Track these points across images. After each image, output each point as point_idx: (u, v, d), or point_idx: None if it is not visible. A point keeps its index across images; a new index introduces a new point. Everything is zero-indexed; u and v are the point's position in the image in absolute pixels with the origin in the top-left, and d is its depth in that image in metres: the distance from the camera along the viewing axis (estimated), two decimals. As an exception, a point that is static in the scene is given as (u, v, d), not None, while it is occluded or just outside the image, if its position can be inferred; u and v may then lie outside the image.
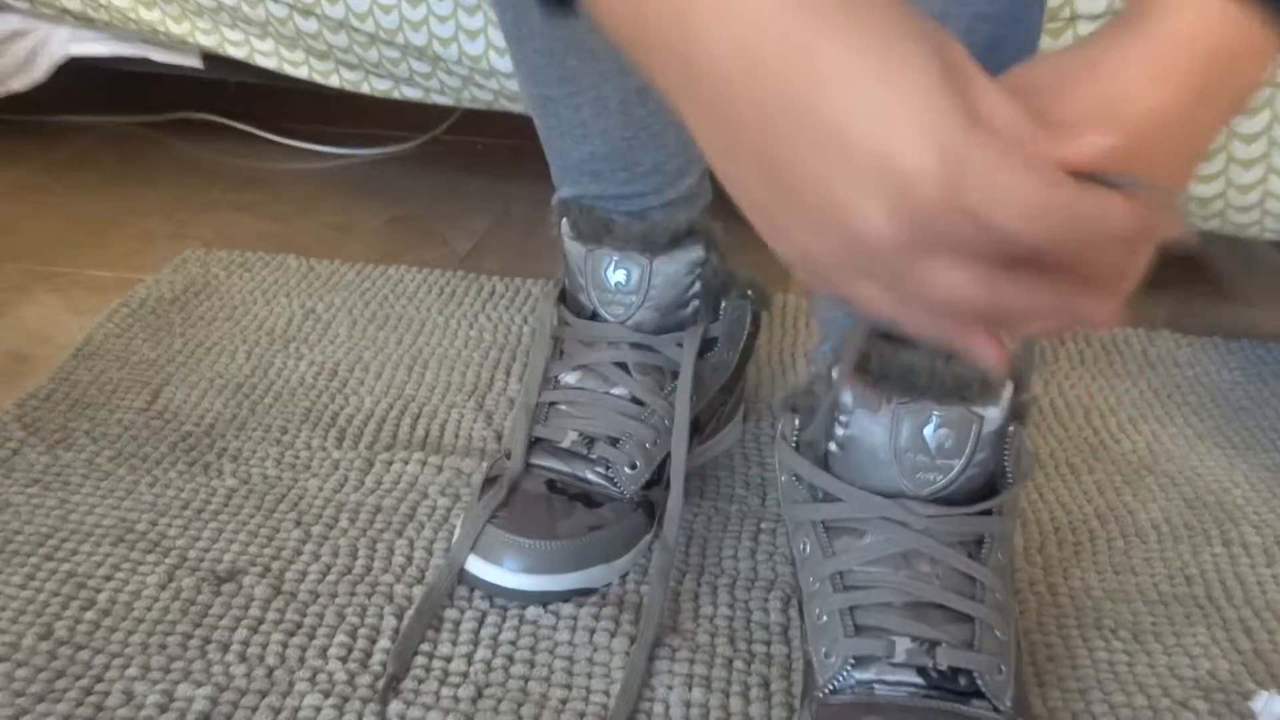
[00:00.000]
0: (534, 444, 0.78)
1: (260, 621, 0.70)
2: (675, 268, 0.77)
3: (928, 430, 0.62)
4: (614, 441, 0.77)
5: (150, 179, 1.46)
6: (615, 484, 0.76)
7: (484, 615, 0.71)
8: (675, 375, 0.78)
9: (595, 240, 0.78)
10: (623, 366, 0.78)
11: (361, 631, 0.70)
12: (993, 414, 0.63)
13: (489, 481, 0.77)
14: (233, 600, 0.72)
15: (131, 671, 0.66)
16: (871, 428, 0.63)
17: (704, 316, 0.79)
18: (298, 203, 1.41)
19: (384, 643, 0.69)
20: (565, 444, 0.77)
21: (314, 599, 0.72)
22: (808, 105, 0.36)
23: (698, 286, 0.78)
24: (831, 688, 0.61)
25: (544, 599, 0.72)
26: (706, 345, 0.80)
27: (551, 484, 0.76)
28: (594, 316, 0.79)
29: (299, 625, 0.70)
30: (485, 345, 1.06)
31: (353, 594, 0.73)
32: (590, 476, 0.76)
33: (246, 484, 0.83)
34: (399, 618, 0.71)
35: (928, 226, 0.36)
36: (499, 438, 0.91)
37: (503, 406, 0.95)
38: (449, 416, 0.94)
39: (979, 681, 0.60)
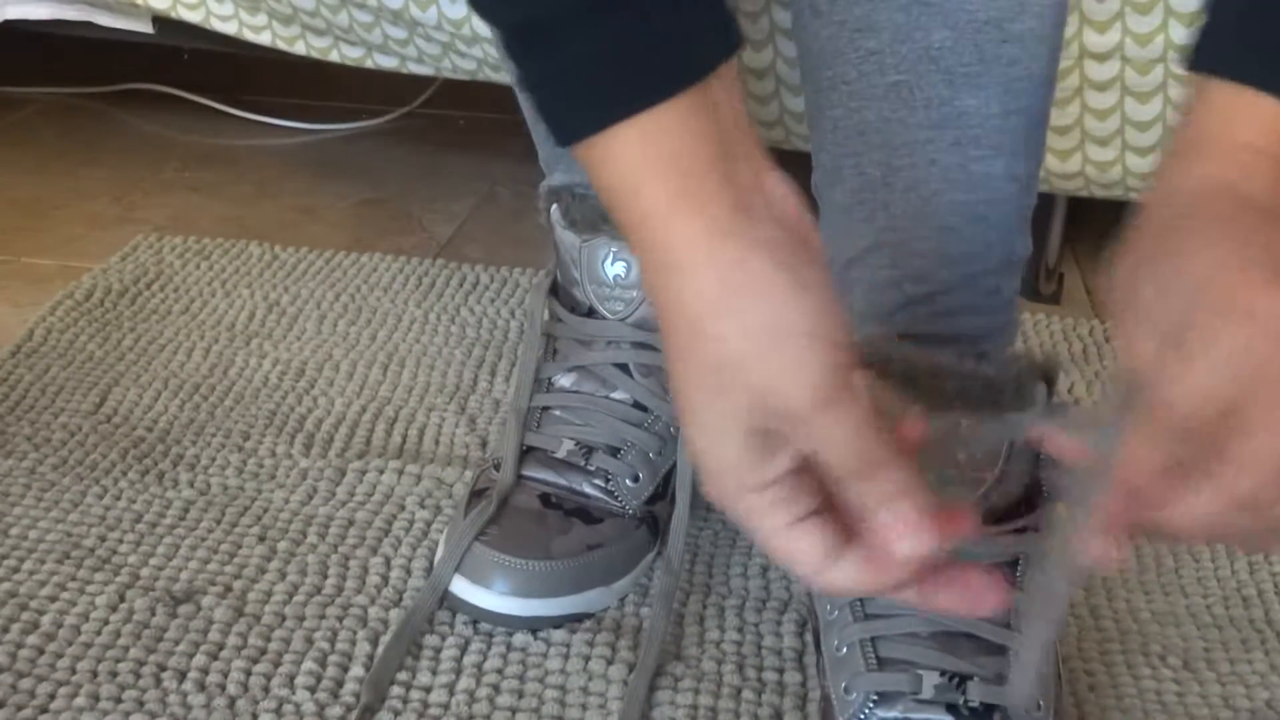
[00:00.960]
0: (525, 454, 0.78)
1: (220, 647, 0.71)
2: (680, 258, 0.77)
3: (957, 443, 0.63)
4: (614, 451, 0.77)
5: (96, 157, 1.46)
6: (616, 498, 0.77)
7: (467, 642, 0.72)
8: (680, 377, 0.78)
9: (591, 229, 0.78)
10: (623, 368, 0.79)
11: (332, 659, 0.70)
12: (1027, 421, 0.64)
13: (476, 494, 0.77)
14: (190, 624, 0.72)
15: (79, 701, 0.66)
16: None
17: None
18: (260, 183, 1.41)
19: (357, 671, 0.69)
20: (560, 454, 0.77)
21: (280, 622, 0.73)
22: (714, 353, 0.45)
23: (706, 279, 0.78)
24: (852, 726, 0.62)
25: (534, 624, 0.73)
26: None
27: (545, 498, 0.76)
28: (591, 313, 0.79)
29: (263, 651, 0.71)
30: (468, 342, 1.06)
31: (322, 617, 0.73)
32: (588, 490, 0.77)
33: (205, 495, 0.84)
34: (373, 644, 0.71)
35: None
36: (483, 444, 0.91)
37: (487, 410, 0.96)
38: (428, 421, 0.94)
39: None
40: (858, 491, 0.46)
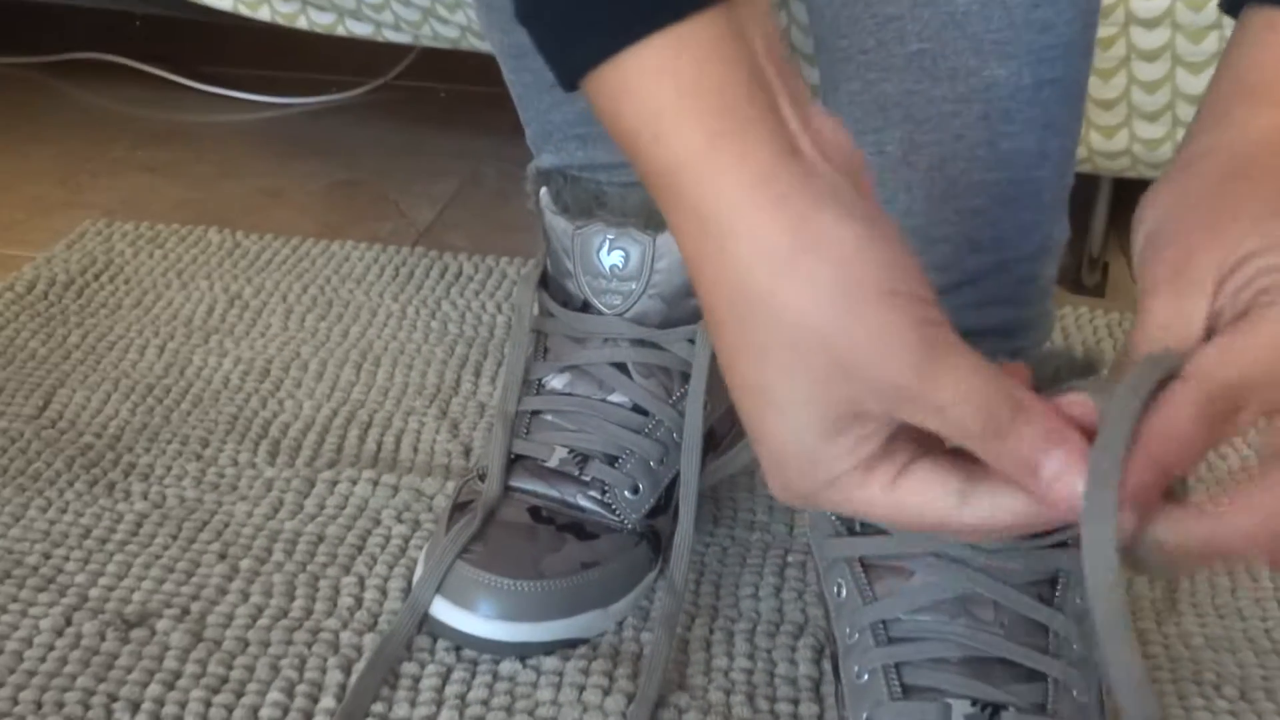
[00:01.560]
0: (514, 462, 0.78)
1: (177, 675, 0.70)
2: (684, 246, 0.77)
3: None
4: (611, 460, 0.77)
5: (40, 134, 1.46)
6: (613, 511, 0.77)
7: (449, 670, 0.72)
8: (685, 378, 0.78)
9: (585, 214, 0.78)
10: (621, 368, 0.78)
11: (300, 688, 0.70)
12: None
13: (459, 508, 0.77)
14: (144, 649, 0.72)
15: (21, 737, 0.66)
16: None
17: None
18: (221, 164, 1.41)
19: (328, 702, 0.69)
20: (552, 463, 0.77)
21: (242, 648, 0.72)
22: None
23: (712, 269, 0.78)
24: (875, 761, 0.62)
25: (523, 651, 0.72)
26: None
27: (535, 511, 0.76)
28: (585, 307, 0.79)
29: (224, 680, 0.70)
30: (450, 339, 1.06)
31: (289, 643, 0.73)
32: (583, 502, 0.77)
33: (160, 508, 0.84)
34: (346, 672, 0.71)
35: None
36: (467, 453, 0.91)
37: (471, 414, 0.96)
38: (406, 426, 0.94)
39: (1053, 754, 0.60)
40: (998, 452, 0.43)
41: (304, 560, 0.80)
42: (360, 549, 0.81)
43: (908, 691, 0.62)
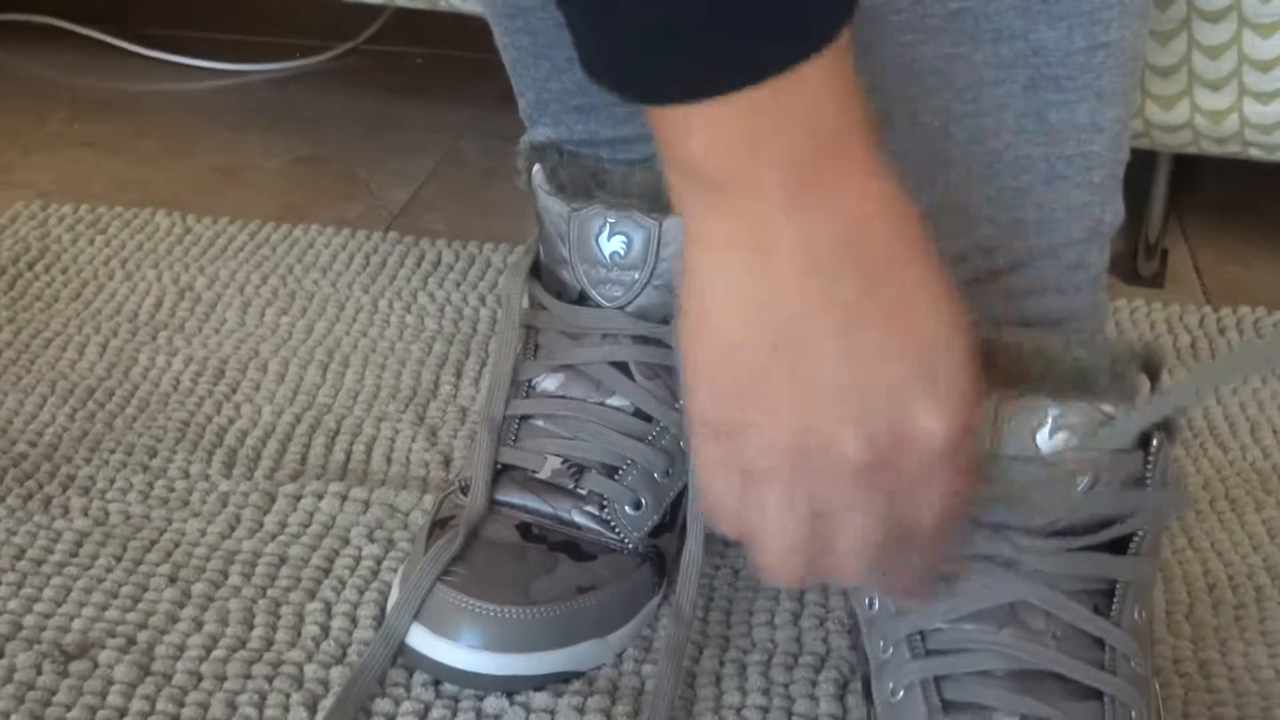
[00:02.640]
0: (500, 473, 0.78)
1: (122, 713, 0.71)
2: (692, 232, 0.77)
3: (1041, 435, 0.63)
4: (611, 471, 0.78)
5: (-36, 105, 1.46)
6: (612, 529, 0.77)
7: (427, 708, 0.72)
8: (692, 379, 0.79)
9: (583, 195, 0.78)
10: (622, 368, 0.79)
11: (261, 728, 0.70)
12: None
13: (438, 524, 0.77)
14: (84, 684, 0.72)
15: (-53, 782, 0.67)
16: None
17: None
18: (169, 138, 1.42)
19: (292, 744, 0.70)
20: (544, 474, 0.78)
21: (195, 683, 0.73)
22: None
23: (723, 257, 0.78)
24: (912, 790, 0.63)
25: (510, 685, 0.73)
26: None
27: (525, 529, 0.76)
28: (582, 299, 0.79)
29: (174, 718, 0.70)
30: (427, 335, 1.07)
31: (248, 676, 0.73)
32: (578, 519, 0.77)
33: (102, 526, 0.84)
34: (311, 709, 0.71)
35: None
36: (446, 463, 0.91)
37: (451, 419, 0.96)
38: (378, 433, 0.94)
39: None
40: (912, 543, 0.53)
41: (264, 584, 0.80)
42: (327, 572, 0.81)
43: (949, 708, 0.63)
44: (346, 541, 0.83)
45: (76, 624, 0.76)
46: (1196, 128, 1.04)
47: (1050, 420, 0.63)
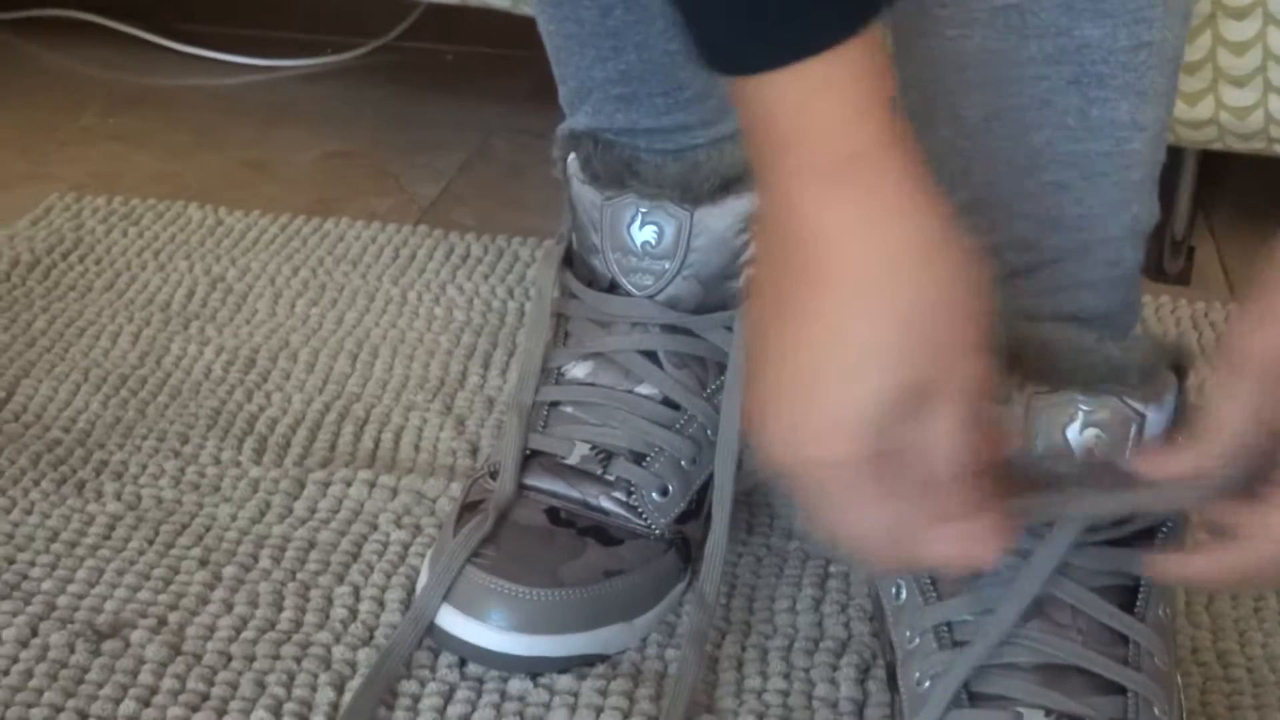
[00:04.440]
0: (529, 459, 0.78)
1: (153, 691, 0.71)
2: (724, 223, 0.78)
3: (1071, 430, 0.64)
4: (638, 458, 0.78)
5: (0, 99, 1.47)
6: (639, 515, 0.77)
7: (452, 689, 0.72)
8: (721, 369, 0.79)
9: (616, 184, 0.78)
10: (651, 356, 0.79)
11: (289, 707, 0.71)
12: (1156, 415, 0.64)
13: (468, 508, 0.78)
14: (117, 663, 0.73)
15: (-18, 756, 0.67)
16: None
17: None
18: (200, 132, 1.42)
19: (320, 723, 0.70)
20: (572, 460, 0.78)
21: (224, 663, 0.73)
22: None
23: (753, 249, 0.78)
24: (938, 779, 0.63)
25: (536, 667, 0.73)
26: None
27: (554, 513, 0.77)
28: (612, 288, 0.80)
29: (204, 698, 0.71)
30: (455, 327, 1.07)
31: (276, 657, 0.74)
32: (606, 504, 0.77)
33: (134, 510, 0.85)
34: (339, 690, 0.72)
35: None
36: (473, 451, 0.92)
37: (478, 409, 0.96)
38: (406, 422, 0.95)
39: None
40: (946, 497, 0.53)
41: (293, 568, 0.80)
42: (355, 556, 0.82)
43: (975, 700, 0.63)
44: (374, 527, 0.84)
45: (109, 605, 0.77)
46: (1221, 124, 1.04)
47: (1081, 415, 0.64)
